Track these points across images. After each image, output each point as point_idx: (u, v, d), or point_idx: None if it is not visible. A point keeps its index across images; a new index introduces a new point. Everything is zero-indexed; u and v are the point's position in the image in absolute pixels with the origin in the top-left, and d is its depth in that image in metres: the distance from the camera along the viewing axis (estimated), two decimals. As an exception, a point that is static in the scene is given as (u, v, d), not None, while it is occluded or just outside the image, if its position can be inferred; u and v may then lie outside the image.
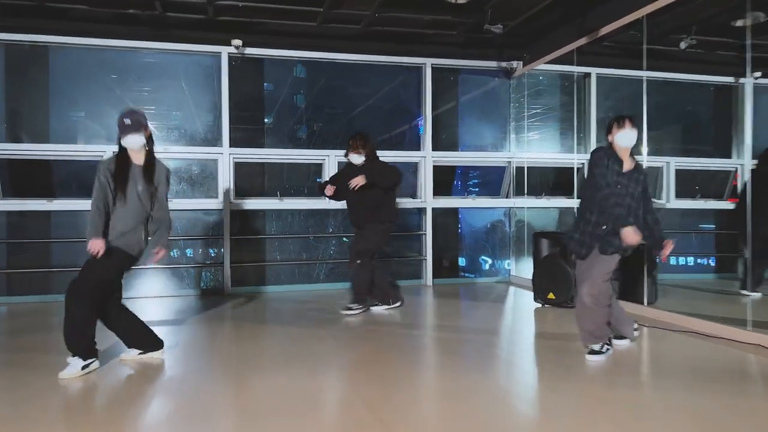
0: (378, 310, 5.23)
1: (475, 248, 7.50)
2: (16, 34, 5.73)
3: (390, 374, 3.37)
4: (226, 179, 6.27)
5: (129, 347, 3.63)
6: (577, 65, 6.98)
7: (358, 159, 5.02)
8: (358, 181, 4.84)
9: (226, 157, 6.28)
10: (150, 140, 3.45)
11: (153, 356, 3.61)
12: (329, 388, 3.17)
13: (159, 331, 3.74)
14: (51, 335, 4.11)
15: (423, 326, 4.83)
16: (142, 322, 3.64)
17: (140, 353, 3.61)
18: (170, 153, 6.15)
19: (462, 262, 7.43)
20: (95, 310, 3.32)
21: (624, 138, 3.58)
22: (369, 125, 6.97)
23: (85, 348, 3.30)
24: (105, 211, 3.31)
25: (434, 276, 6.90)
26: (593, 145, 7.19)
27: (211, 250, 6.55)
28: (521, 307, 5.59)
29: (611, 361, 3.60)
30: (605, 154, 3.62)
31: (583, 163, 7.22)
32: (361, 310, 5.13)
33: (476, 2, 5.17)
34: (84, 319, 3.27)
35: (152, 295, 6.14)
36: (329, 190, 5.07)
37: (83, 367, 3.26)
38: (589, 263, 3.69)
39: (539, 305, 5.45)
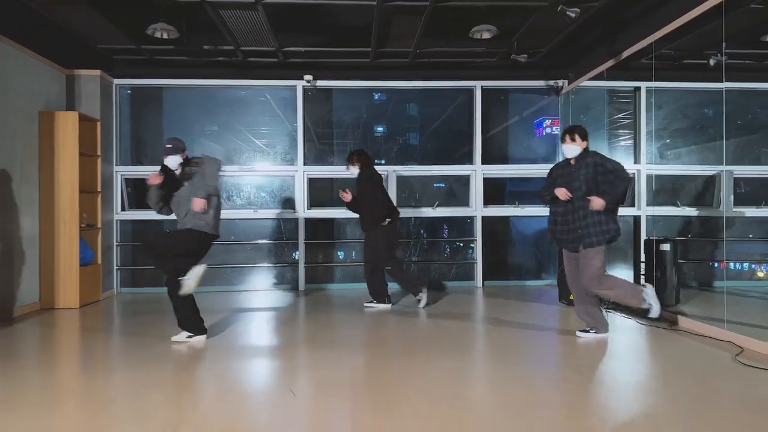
0: (372, 307, 5.98)
1: (524, 253, 8.07)
2: (137, 79, 7.29)
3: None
4: (300, 192, 7.42)
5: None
6: (625, 80, 7.39)
7: (354, 171, 5.95)
8: (345, 196, 5.88)
9: (300, 174, 7.43)
10: (186, 159, 4.51)
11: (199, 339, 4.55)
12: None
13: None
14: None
15: (470, 318, 5.58)
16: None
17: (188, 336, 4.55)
18: (255, 171, 7.45)
19: (512, 265, 8.05)
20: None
21: (566, 150, 4.50)
22: (438, 145, 7.91)
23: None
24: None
25: (484, 278, 7.59)
26: (644, 156, 7.53)
27: (295, 253, 7.69)
28: (546, 307, 6.14)
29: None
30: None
31: (634, 173, 7.57)
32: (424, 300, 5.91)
33: (501, 35, 5.84)
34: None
35: (244, 289, 7.44)
36: (346, 196, 5.94)
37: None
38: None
39: (563, 305, 5.99)
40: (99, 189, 6.74)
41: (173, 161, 4.47)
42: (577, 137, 4.45)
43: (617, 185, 4.30)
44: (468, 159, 7.70)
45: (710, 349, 4.18)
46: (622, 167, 4.39)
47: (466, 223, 7.83)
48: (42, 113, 6.16)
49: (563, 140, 4.49)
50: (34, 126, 6.07)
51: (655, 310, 4.43)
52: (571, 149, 4.45)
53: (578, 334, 4.59)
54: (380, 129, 8.06)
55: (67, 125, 6.17)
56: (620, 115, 7.94)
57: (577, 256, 4.50)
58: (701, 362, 3.87)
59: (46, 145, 6.15)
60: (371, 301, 6.05)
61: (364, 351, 4.37)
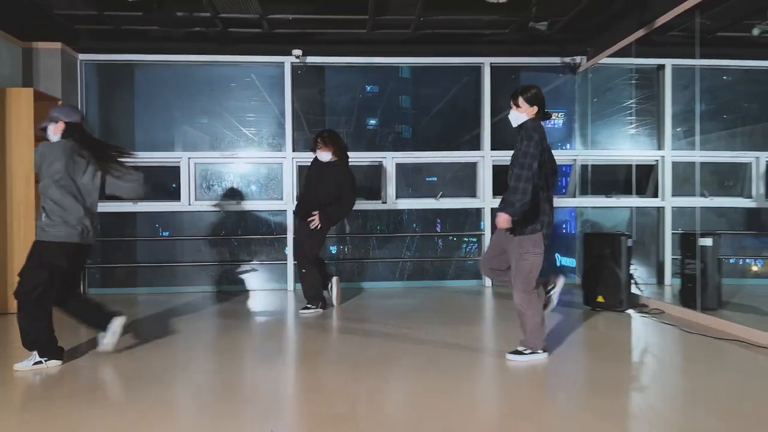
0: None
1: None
2: (105, 54, 6.47)
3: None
4: (289, 182, 6.64)
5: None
6: (649, 57, 6.66)
7: (325, 157, 5.15)
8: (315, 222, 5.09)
9: (289, 161, 6.65)
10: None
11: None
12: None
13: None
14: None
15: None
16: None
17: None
18: (238, 158, 6.68)
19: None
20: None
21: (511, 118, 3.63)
22: (442, 128, 7.15)
23: None
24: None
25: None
26: (668, 140, 6.81)
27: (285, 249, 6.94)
28: (566, 309, 5.42)
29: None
30: None
31: (657, 160, 6.86)
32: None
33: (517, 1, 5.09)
34: None
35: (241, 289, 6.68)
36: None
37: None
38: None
39: (588, 308, 5.27)
40: (60, 178, 5.93)
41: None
42: (522, 101, 3.55)
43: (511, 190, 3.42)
44: (469, 146, 6.97)
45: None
46: (528, 152, 3.41)
47: (463, 216, 7.10)
48: (-9, 89, 5.36)
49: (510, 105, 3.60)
50: (-19, 103, 5.27)
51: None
52: (513, 116, 3.61)
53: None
54: (372, 122, 7.30)
55: (20, 104, 5.35)
56: (633, 100, 7.23)
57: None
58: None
59: (-6, 126, 5.35)
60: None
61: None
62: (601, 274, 5.15)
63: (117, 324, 3.73)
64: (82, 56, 6.43)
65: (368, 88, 7.41)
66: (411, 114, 7.44)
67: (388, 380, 3.29)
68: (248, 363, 3.78)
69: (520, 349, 3.62)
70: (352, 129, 7.26)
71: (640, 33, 5.49)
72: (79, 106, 6.41)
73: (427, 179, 7.20)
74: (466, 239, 7.37)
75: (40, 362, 3.54)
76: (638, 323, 4.73)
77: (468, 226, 7.19)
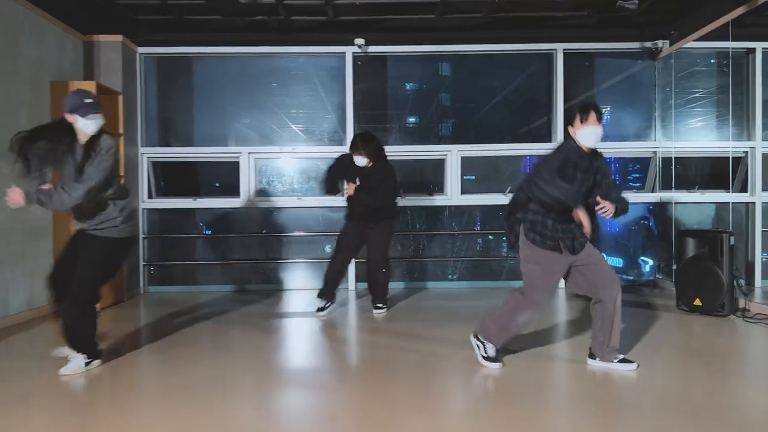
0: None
1: (614, 248, 6.87)
2: (165, 47, 6.33)
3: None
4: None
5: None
6: (738, 40, 6.13)
7: (361, 161, 4.84)
8: (349, 191, 4.87)
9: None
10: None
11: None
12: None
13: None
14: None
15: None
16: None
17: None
18: (297, 153, 6.45)
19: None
20: None
21: (595, 135, 3.20)
22: (503, 119, 6.74)
23: None
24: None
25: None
26: (759, 131, 6.26)
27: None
28: (658, 314, 4.98)
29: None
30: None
31: (746, 152, 6.32)
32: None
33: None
34: None
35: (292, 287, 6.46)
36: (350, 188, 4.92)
37: None
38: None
39: (683, 312, 4.82)
40: (122, 173, 5.81)
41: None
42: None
43: None
44: (528, 137, 6.60)
45: None
46: None
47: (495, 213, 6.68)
48: (53, 83, 5.25)
49: (589, 119, 3.16)
50: (44, 98, 5.17)
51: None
52: (598, 133, 3.20)
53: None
54: (411, 120, 6.89)
55: (83, 97, 5.25)
56: (706, 89, 6.69)
57: (576, 259, 3.24)
58: None
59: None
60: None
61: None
62: (699, 275, 4.70)
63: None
64: (141, 49, 6.31)
65: (425, 80, 6.99)
66: (465, 107, 6.99)
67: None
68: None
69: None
70: (408, 123, 6.93)
71: (739, 11, 5.00)
72: (138, 100, 6.31)
73: (464, 177, 6.75)
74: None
75: (90, 362, 3.36)
76: (745, 329, 4.27)
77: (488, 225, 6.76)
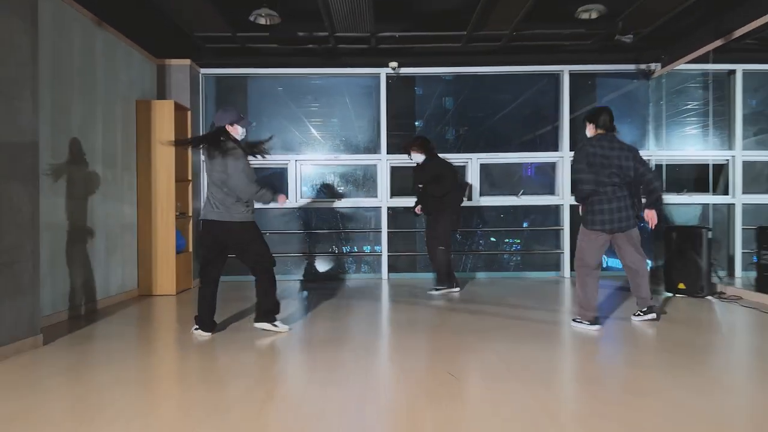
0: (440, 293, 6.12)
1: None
2: (223, 68, 7.31)
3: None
4: (384, 181, 7.35)
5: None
6: (721, 62, 7.10)
7: (418, 158, 6.05)
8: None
9: (384, 163, 7.36)
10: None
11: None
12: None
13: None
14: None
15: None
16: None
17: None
18: (339, 161, 7.42)
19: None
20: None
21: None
22: (512, 128, 7.73)
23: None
24: None
25: (572, 268, 7.41)
26: (739, 141, 7.24)
27: (375, 246, 7.67)
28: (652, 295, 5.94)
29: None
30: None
31: (728, 159, 7.30)
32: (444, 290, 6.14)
33: (607, 15, 5.66)
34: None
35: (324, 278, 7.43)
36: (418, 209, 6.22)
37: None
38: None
39: (670, 295, 5.80)
40: (190, 178, 6.79)
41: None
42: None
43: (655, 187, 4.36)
44: (530, 146, 7.59)
45: None
46: None
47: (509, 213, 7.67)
48: (139, 102, 6.22)
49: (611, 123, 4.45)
50: (132, 114, 6.14)
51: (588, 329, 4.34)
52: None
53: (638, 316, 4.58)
54: (417, 123, 7.88)
55: (164, 114, 6.22)
56: (701, 102, 7.66)
57: (611, 238, 4.38)
58: None
59: (143, 133, 6.22)
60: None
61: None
62: (683, 263, 5.68)
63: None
64: (203, 70, 7.29)
65: (448, 100, 8.00)
66: (477, 117, 7.99)
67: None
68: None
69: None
70: (438, 134, 7.92)
71: (718, 43, 5.98)
72: (201, 115, 7.28)
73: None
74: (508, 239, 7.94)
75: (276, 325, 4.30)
76: (720, 307, 5.23)
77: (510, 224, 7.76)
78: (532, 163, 7.68)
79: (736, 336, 4.29)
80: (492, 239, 7.91)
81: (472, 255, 7.77)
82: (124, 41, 5.93)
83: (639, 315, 4.52)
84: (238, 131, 4.20)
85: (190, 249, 6.80)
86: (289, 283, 7.04)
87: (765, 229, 5.61)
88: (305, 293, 6.32)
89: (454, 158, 7.48)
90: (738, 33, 5.66)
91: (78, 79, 5.13)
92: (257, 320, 4.31)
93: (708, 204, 7.08)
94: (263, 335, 4.21)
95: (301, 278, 7.43)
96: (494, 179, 7.68)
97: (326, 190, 7.55)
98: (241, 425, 2.47)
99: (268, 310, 4.26)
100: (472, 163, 7.43)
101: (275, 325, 4.29)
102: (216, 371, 3.38)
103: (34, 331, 3.83)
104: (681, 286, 5.68)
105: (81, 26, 5.18)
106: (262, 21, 5.47)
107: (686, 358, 3.52)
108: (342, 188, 7.56)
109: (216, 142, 4.08)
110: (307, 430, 2.44)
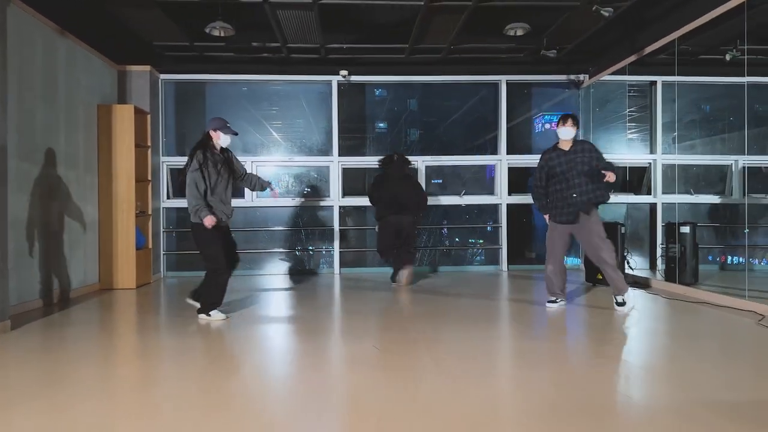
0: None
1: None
2: (182, 74, 7.71)
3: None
4: (336, 182, 7.84)
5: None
6: (642, 74, 7.82)
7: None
8: None
9: (335, 165, 7.86)
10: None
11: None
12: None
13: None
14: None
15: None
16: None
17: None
18: (293, 162, 7.88)
19: (535, 251, 8.50)
20: None
21: (565, 133, 5.03)
22: (459, 134, 8.33)
23: None
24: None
25: (509, 263, 8.04)
26: (659, 146, 7.97)
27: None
28: (575, 286, 6.57)
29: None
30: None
31: (650, 163, 8.02)
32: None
33: (533, 32, 6.28)
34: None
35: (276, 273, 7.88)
36: None
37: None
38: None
39: (590, 284, 6.44)
40: (149, 178, 7.15)
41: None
42: (574, 123, 5.07)
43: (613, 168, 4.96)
44: (481, 150, 8.19)
45: (734, 317, 4.62)
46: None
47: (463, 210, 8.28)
48: (100, 106, 6.57)
49: (564, 123, 5.00)
50: (93, 118, 6.49)
51: (628, 308, 4.92)
52: (569, 132, 5.02)
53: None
54: (381, 125, 8.43)
55: (124, 118, 6.59)
56: (630, 109, 8.39)
57: (572, 228, 5.02)
58: (727, 327, 4.32)
59: (104, 136, 6.56)
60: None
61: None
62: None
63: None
64: (163, 76, 7.66)
65: (411, 103, 8.56)
66: (428, 122, 8.57)
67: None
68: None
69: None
70: (392, 138, 8.46)
71: (632, 58, 6.67)
72: (160, 119, 7.64)
73: (433, 181, 8.32)
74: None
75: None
76: (632, 293, 5.88)
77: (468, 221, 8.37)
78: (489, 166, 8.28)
79: (617, 317, 4.92)
80: (456, 239, 8.51)
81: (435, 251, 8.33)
82: (85, 49, 6.28)
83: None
84: (219, 137, 4.64)
85: (150, 245, 7.17)
86: (252, 278, 7.48)
87: (672, 225, 6.30)
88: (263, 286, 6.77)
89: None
90: (648, 50, 6.34)
91: (41, 85, 5.48)
92: (192, 297, 4.85)
93: (634, 203, 7.79)
94: (212, 322, 4.66)
95: (262, 273, 7.87)
96: (448, 181, 8.28)
97: (283, 190, 8.01)
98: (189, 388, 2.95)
99: (203, 301, 4.70)
100: (419, 165, 7.97)
101: (207, 314, 4.70)
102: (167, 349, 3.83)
103: (3, 316, 4.19)
104: (599, 276, 6.32)
105: (43, 35, 5.52)
106: (216, 33, 5.89)
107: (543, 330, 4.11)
108: (297, 188, 8.02)
109: (202, 146, 4.59)
110: (251, 386, 2.92)
